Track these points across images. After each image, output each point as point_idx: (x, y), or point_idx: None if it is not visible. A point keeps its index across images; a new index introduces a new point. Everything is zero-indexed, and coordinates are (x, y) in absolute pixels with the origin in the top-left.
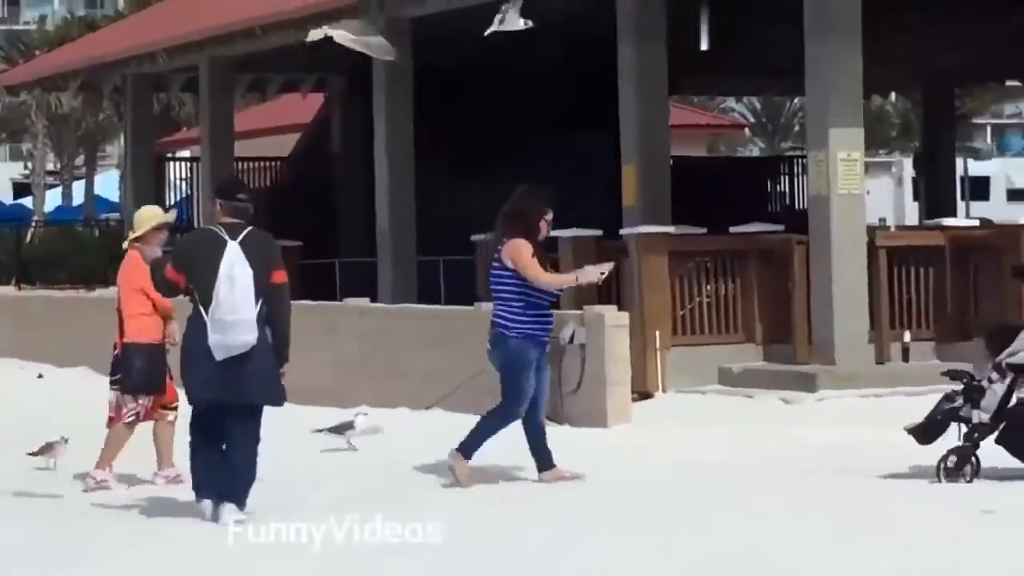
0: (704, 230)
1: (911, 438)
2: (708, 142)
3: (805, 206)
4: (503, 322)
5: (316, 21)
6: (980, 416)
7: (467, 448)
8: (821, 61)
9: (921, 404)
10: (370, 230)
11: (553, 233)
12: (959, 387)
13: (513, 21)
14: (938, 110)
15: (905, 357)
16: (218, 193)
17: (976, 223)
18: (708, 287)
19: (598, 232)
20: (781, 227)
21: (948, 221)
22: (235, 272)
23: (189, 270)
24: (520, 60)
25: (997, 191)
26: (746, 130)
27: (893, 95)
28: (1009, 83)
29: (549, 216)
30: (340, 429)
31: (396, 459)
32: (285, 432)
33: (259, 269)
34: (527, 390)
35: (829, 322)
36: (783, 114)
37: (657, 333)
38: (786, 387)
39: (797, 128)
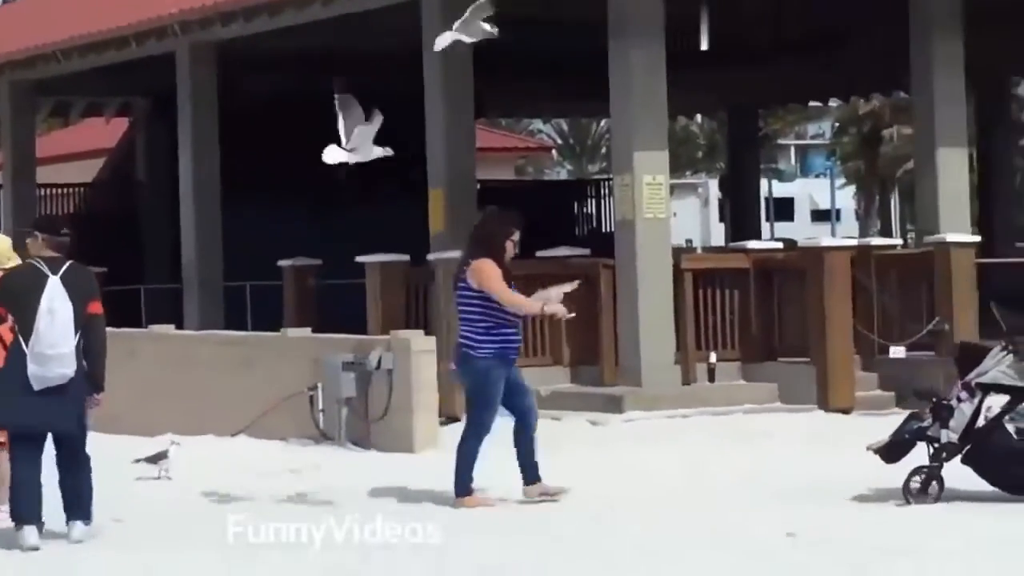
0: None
1: (876, 456)
2: (516, 165)
3: (612, 229)
4: (469, 342)
5: (117, 45)
6: (948, 436)
7: (462, 487)
8: (626, 85)
9: (726, 423)
10: (176, 256)
11: (359, 259)
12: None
13: (475, 30)
14: (742, 131)
15: (711, 378)
16: (41, 228)
17: (779, 245)
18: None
19: (405, 257)
20: (588, 251)
21: (752, 244)
22: (55, 306)
23: (11, 303)
24: (331, 83)
25: (801, 211)
26: (554, 152)
27: (699, 116)
28: (812, 104)
29: (516, 236)
30: (155, 459)
31: (211, 485)
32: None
33: (78, 302)
34: (494, 404)
35: (635, 344)
36: (591, 136)
37: None
38: (594, 409)
39: (604, 150)
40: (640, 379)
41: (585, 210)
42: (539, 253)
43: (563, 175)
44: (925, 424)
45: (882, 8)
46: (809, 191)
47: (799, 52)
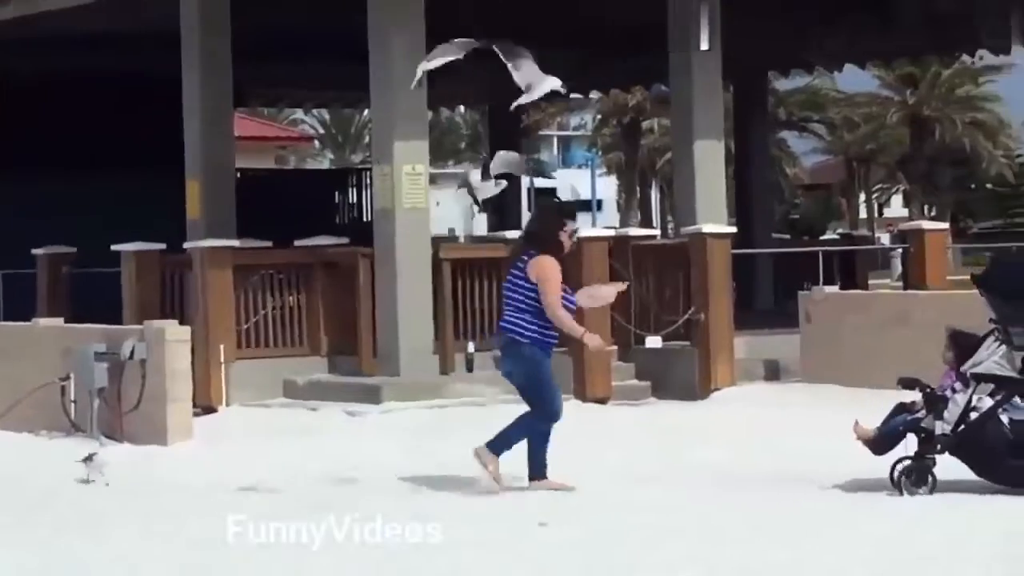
0: (269, 243)
1: (865, 448)
2: (277, 154)
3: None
4: (518, 329)
5: None
6: (943, 427)
7: (536, 471)
8: (385, 76)
9: (485, 414)
10: None
11: (115, 247)
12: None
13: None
14: (504, 122)
15: (469, 367)
16: None
17: None
18: (273, 300)
19: (161, 245)
20: (347, 239)
21: (511, 234)
22: None
23: None
24: (102, 68)
25: None
26: (316, 142)
27: (462, 107)
28: (573, 96)
29: (572, 227)
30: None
31: None
32: None
33: None
34: (551, 384)
35: (394, 334)
36: (353, 125)
37: (221, 347)
38: (351, 399)
39: (367, 139)
40: (398, 369)
41: (347, 199)
42: (297, 242)
43: (326, 165)
44: (919, 415)
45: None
46: (571, 182)
47: (559, 45)
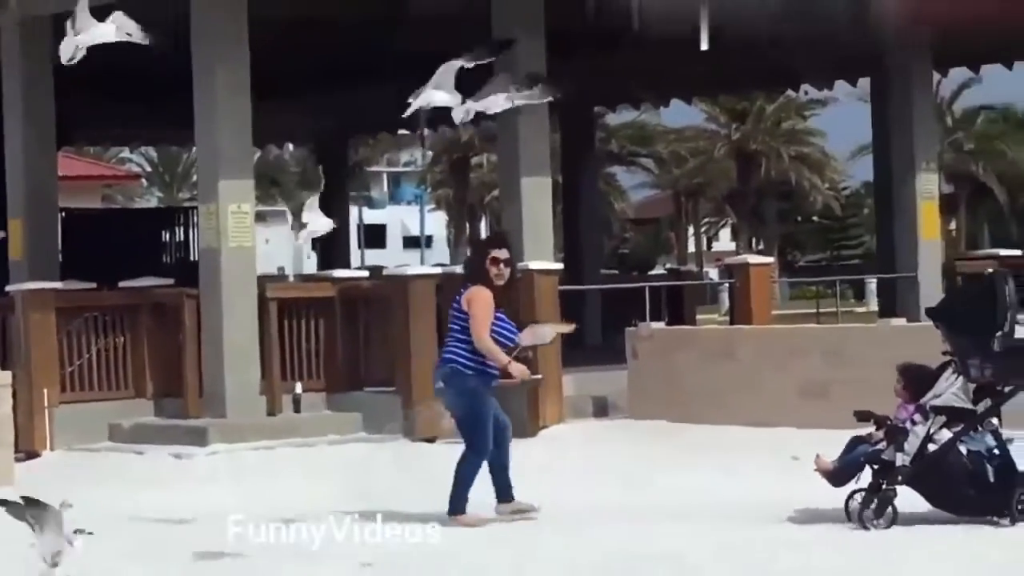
0: (93, 284)
1: (823, 479)
2: (104, 193)
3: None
4: (459, 359)
5: None
6: (903, 459)
7: (457, 506)
8: (209, 112)
9: (313, 455)
10: None
11: None
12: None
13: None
14: (333, 159)
15: (297, 408)
16: None
17: (365, 273)
18: (98, 342)
19: None
20: (171, 280)
21: (338, 272)
22: None
23: None
24: None
25: (393, 238)
26: (143, 180)
27: (290, 145)
28: (401, 132)
29: (499, 254)
30: None
31: None
32: None
33: None
34: (488, 421)
35: (220, 375)
36: (180, 164)
37: (45, 391)
38: (178, 442)
39: (194, 178)
40: (225, 410)
41: (174, 238)
42: (122, 283)
43: (153, 204)
44: (880, 447)
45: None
46: (401, 218)
47: (384, 80)
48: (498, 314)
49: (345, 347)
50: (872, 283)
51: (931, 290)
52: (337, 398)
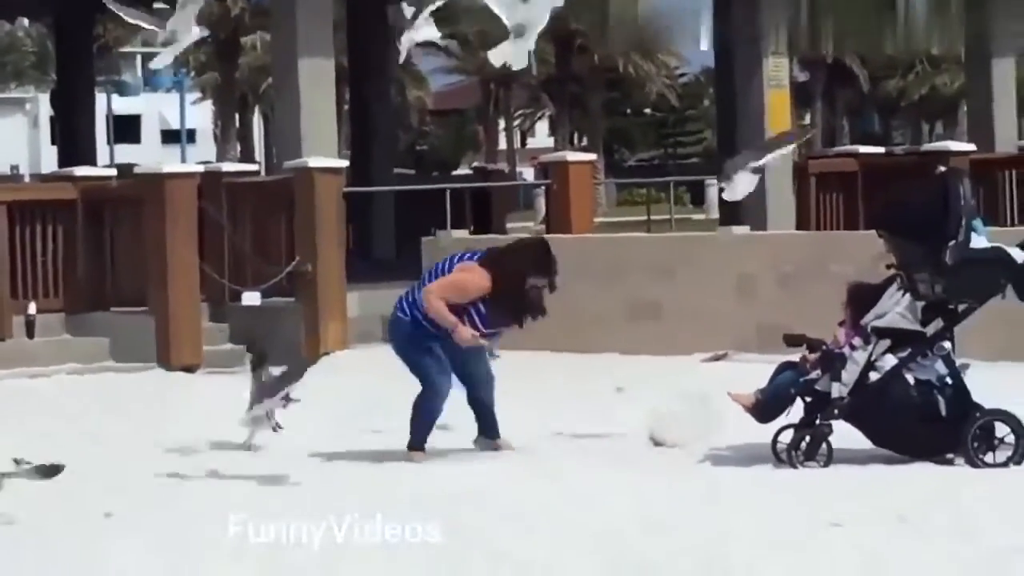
0: None
1: (748, 415)
2: None
3: None
4: (400, 307)
5: None
6: (840, 390)
7: (413, 439)
8: None
9: (48, 387)
10: None
11: None
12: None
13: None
14: (75, 38)
15: (30, 332)
16: None
17: (114, 172)
18: None
19: None
20: None
21: (80, 170)
22: None
23: None
24: None
25: (150, 132)
26: None
27: (25, 20)
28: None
29: (539, 283)
30: None
31: None
32: None
33: None
34: (431, 370)
35: None
36: None
37: None
38: None
39: None
40: None
41: None
42: None
43: None
44: (812, 376)
45: None
46: (159, 108)
47: None
48: (483, 306)
49: (88, 260)
50: (713, 186)
51: (780, 195)
52: (79, 320)
